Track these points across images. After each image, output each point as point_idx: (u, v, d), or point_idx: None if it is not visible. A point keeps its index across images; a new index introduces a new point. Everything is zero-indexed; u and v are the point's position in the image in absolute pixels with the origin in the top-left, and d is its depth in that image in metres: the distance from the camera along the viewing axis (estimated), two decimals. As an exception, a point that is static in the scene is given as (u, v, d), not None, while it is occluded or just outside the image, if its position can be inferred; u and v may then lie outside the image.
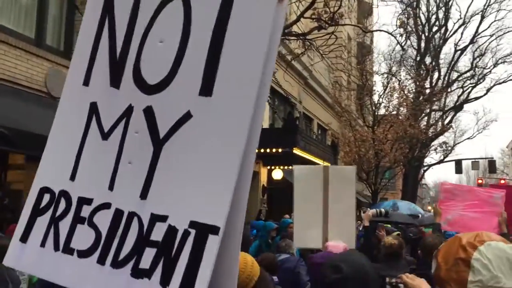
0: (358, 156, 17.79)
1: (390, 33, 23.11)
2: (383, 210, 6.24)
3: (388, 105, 19.26)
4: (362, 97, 19.53)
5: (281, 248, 5.17)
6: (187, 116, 1.26)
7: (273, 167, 14.73)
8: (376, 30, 20.40)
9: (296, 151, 11.04)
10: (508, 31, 27.42)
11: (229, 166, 1.14)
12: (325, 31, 7.82)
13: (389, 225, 8.61)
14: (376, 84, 23.49)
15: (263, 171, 14.80)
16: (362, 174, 18.69)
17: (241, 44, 1.21)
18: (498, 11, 26.70)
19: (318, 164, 13.47)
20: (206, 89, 1.24)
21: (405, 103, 18.84)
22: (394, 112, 19.30)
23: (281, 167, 14.78)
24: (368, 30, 19.48)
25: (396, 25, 24.58)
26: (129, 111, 1.37)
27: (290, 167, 15.61)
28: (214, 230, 1.12)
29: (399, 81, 20.14)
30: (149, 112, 1.32)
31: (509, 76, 28.31)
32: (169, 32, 1.33)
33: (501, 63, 27.32)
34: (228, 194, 1.13)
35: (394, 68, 21.09)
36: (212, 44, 1.25)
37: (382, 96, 19.46)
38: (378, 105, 19.55)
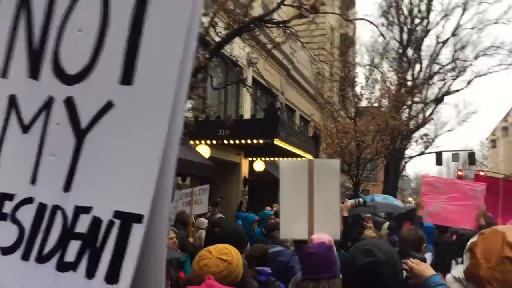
0: (340, 147, 17.77)
1: (372, 23, 23.02)
2: (361, 199, 6.30)
3: (370, 96, 19.26)
4: (344, 89, 19.47)
5: (276, 239, 5.24)
6: (109, 106, 1.24)
7: (254, 159, 14.61)
8: (359, 19, 20.34)
9: (277, 142, 10.91)
10: (489, 24, 27.56)
11: (151, 154, 1.13)
12: (306, 20, 7.70)
13: (378, 217, 8.65)
14: (359, 76, 23.56)
15: (244, 163, 14.67)
16: (344, 166, 18.69)
17: (160, 31, 1.20)
18: (479, 3, 26.88)
19: (299, 155, 13.40)
20: (127, 77, 1.23)
21: (387, 95, 18.84)
22: (376, 104, 19.30)
23: (263, 159, 14.67)
24: (350, 19, 19.38)
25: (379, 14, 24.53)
26: (49, 102, 1.34)
27: (272, 159, 15.53)
28: (138, 218, 1.11)
29: (381, 73, 20.13)
30: (69, 103, 1.30)
31: (489, 69, 28.58)
32: (87, 20, 1.31)
33: (481, 55, 27.53)
34: (151, 182, 1.12)
35: (376, 60, 21.07)
36: (130, 32, 1.24)
37: (364, 88, 19.43)
38: (360, 96, 19.52)
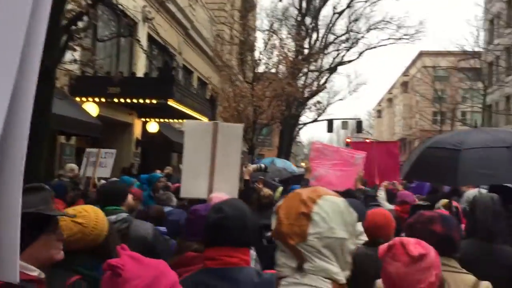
0: (237, 112, 17.75)
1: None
2: (262, 165, 6.70)
3: (268, 62, 19.35)
4: (243, 53, 19.34)
5: (162, 201, 5.55)
6: None
7: (148, 120, 14.05)
8: (260, -15, 20.09)
9: (172, 103, 10.51)
10: (381, -1, 28.97)
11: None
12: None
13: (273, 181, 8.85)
14: (258, 41, 23.57)
15: (137, 123, 14.06)
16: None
17: None
18: (374, -22, 28.03)
19: (195, 117, 13.11)
20: None
21: (284, 61, 19.05)
22: (274, 70, 19.47)
23: (157, 120, 14.18)
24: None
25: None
26: None
27: (167, 120, 15.07)
28: None
29: (280, 39, 20.25)
30: None
31: (379, 42, 30.25)
32: None
33: (373, 29, 29.00)
34: None
35: (275, 25, 21.14)
36: None
37: (262, 53, 19.46)
38: (258, 61, 19.54)
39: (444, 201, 4.95)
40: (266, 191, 5.04)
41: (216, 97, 15.06)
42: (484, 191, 5.23)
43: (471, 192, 6.22)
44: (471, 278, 2.21)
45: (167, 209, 5.07)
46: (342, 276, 1.46)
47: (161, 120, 14.41)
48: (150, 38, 15.30)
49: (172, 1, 16.05)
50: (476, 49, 26.66)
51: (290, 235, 1.44)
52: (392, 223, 3.32)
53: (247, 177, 5.17)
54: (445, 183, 5.42)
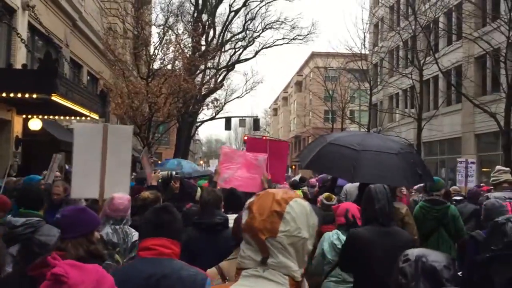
0: (131, 108, 16.98)
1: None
2: (173, 172, 7.22)
3: (163, 58, 18.77)
4: (137, 47, 18.55)
5: (71, 203, 5.53)
6: None
7: (29, 116, 12.82)
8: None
9: (56, 98, 9.61)
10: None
11: None
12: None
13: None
14: (153, 36, 22.80)
15: (17, 120, 12.76)
16: (135, 128, 18.02)
17: None
18: (268, -22, 28.57)
19: (83, 114, 12.24)
20: None
21: (180, 57, 18.61)
22: (170, 66, 18.93)
23: (40, 117, 12.99)
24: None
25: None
26: None
27: (52, 117, 13.90)
28: None
29: (176, 34, 19.76)
30: None
31: (274, 42, 30.95)
32: None
33: (268, 28, 29.59)
34: None
35: (171, 20, 20.57)
36: None
37: (158, 48, 18.83)
38: (153, 57, 18.88)
39: (326, 194, 5.57)
40: (145, 193, 5.15)
41: (107, 93, 14.17)
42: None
43: (349, 186, 7.19)
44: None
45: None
46: (299, 274, 1.58)
47: (46, 117, 13.25)
48: (32, 28, 14.02)
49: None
50: (363, 51, 28.33)
51: (262, 230, 1.55)
52: None
53: (154, 183, 5.37)
54: (342, 177, 6.02)
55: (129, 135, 5.45)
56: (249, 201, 1.66)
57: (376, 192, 3.64)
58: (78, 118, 13.67)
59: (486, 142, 22.62)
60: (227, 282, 2.00)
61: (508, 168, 6.34)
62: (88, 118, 13.24)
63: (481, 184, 12.04)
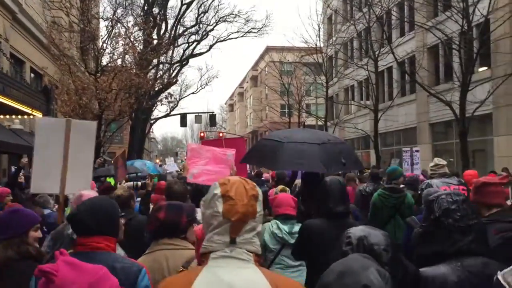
0: (79, 105, 16.01)
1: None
2: (139, 183, 7.77)
3: (113, 52, 17.83)
4: (84, 41, 17.53)
5: (40, 203, 6.16)
6: None
7: (-36, 116, 11.79)
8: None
9: (-9, 94, 8.78)
10: (229, -9, 29.06)
11: None
12: None
13: None
14: (102, 29, 21.74)
15: (-50, 121, 11.70)
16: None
17: None
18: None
19: (25, 112, 11.33)
20: None
21: (130, 51, 17.75)
22: (119, 61, 18.02)
23: (-24, 116, 11.97)
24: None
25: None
26: None
27: (-10, 116, 12.85)
28: None
29: (126, 27, 18.85)
30: None
31: (229, 35, 30.37)
32: None
33: (222, 21, 28.96)
34: None
35: (119, 12, 19.61)
36: None
37: (106, 42, 17.88)
38: (101, 51, 17.92)
39: (280, 187, 5.92)
40: (118, 191, 5.27)
41: (51, 89, 13.23)
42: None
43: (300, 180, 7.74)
44: (190, 252, 2.77)
45: (46, 211, 5.71)
46: (259, 248, 1.77)
47: (-18, 115, 12.22)
48: (-36, 20, 12.90)
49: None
50: (318, 43, 28.25)
51: (246, 213, 1.71)
52: None
53: (120, 192, 5.20)
54: (265, 166, 6.69)
55: (93, 131, 5.40)
56: (217, 191, 1.75)
57: (330, 185, 3.78)
58: (20, 116, 12.71)
59: (440, 132, 23.02)
60: (194, 267, 2.15)
61: (445, 162, 6.58)
62: (31, 117, 12.31)
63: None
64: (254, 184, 1.81)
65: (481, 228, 2.30)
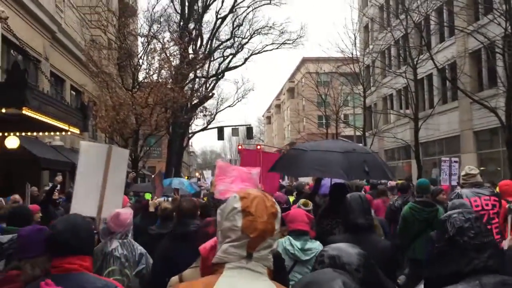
0: (116, 121, 16.25)
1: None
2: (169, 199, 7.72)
3: (149, 68, 18.09)
4: (120, 57, 17.87)
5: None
6: None
7: (6, 134, 12.07)
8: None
9: (28, 112, 8.90)
10: (264, 4, 29.15)
11: None
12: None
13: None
14: (138, 46, 22.16)
15: (-8, 139, 12.03)
16: (121, 141, 17.31)
17: None
18: (254, -17, 28.09)
19: (62, 128, 11.50)
20: None
21: (166, 66, 17.95)
22: (155, 76, 18.25)
23: (17, 134, 12.24)
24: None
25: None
26: None
27: (30, 134, 13.16)
28: None
29: (162, 43, 19.11)
30: None
31: (264, 47, 30.40)
32: None
33: (257, 34, 29.04)
34: None
35: (155, 27, 19.91)
36: None
37: (142, 57, 18.18)
38: (138, 67, 18.21)
39: (302, 200, 5.79)
40: (164, 204, 5.72)
41: (88, 106, 13.45)
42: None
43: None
44: None
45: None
46: (272, 263, 1.78)
47: (23, 133, 12.49)
48: (7, 41, 13.34)
49: (33, 0, 14.22)
50: (354, 52, 27.82)
51: (265, 231, 1.72)
52: None
53: (152, 209, 5.65)
54: (290, 174, 7.15)
55: (126, 157, 5.72)
56: (238, 204, 1.75)
57: (350, 202, 3.85)
58: (58, 133, 12.97)
59: (485, 140, 22.02)
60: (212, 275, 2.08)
61: (477, 170, 6.40)
62: (69, 133, 12.53)
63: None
64: (274, 201, 1.81)
65: (495, 245, 2.27)
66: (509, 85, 13.78)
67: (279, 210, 1.80)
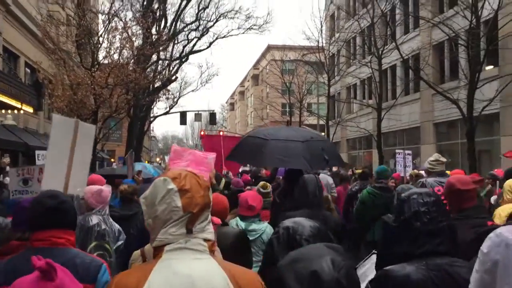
0: (74, 101, 15.50)
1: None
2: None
3: (109, 47, 17.30)
4: (79, 34, 17.00)
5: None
6: None
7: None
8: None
9: (-26, 86, 8.28)
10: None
11: None
12: None
13: None
14: (99, 25, 21.23)
15: None
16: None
17: None
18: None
19: (13, 105, 10.84)
20: None
21: (128, 45, 17.23)
22: (116, 56, 17.50)
23: (-36, 111, 11.49)
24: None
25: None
26: None
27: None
28: None
29: (123, 21, 18.31)
30: None
31: (229, 32, 29.86)
32: None
33: (223, 18, 28.46)
34: None
35: (116, 5, 19.07)
36: None
37: (102, 36, 17.37)
38: (98, 46, 17.41)
39: (262, 183, 6.07)
40: (123, 186, 5.72)
41: (42, 83, 12.72)
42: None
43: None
44: None
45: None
46: (213, 235, 1.78)
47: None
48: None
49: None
50: (321, 40, 27.73)
51: (205, 204, 1.74)
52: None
53: (123, 188, 5.57)
54: (253, 164, 6.85)
55: (93, 133, 5.58)
56: (167, 186, 1.71)
57: (307, 181, 4.28)
58: (10, 111, 12.23)
59: (444, 132, 22.50)
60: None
61: (445, 159, 6.48)
62: (21, 112, 11.85)
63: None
64: (202, 175, 1.83)
65: (450, 229, 2.35)
66: (471, 77, 13.96)
67: (209, 183, 1.83)
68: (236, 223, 4.59)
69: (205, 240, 1.72)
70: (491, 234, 1.92)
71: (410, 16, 22.36)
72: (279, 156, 5.13)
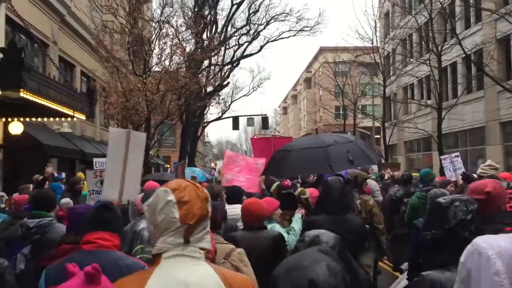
0: (126, 108, 15.65)
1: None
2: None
3: (160, 53, 17.41)
4: (130, 42, 17.21)
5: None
6: None
7: (9, 119, 11.56)
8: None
9: (25, 94, 8.32)
10: (280, -10, 28.21)
11: None
12: None
13: None
14: (151, 32, 21.51)
15: (-5, 124, 11.55)
16: (130, 128, 16.72)
17: None
18: (270, -33, 27.14)
19: (67, 114, 10.93)
20: None
21: (178, 51, 17.25)
22: (167, 62, 17.56)
23: (21, 119, 11.73)
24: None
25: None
26: None
27: (34, 119, 12.65)
28: None
29: (175, 28, 18.39)
30: None
31: (280, 34, 29.51)
32: None
33: (273, 21, 28.17)
34: None
35: (167, 10, 19.18)
36: None
37: (153, 42, 17.49)
38: (149, 52, 17.55)
39: (300, 189, 6.16)
40: None
41: (94, 89, 12.84)
42: None
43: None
44: (229, 246, 3.32)
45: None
46: (209, 244, 1.81)
47: (27, 119, 11.97)
48: (12, 24, 12.82)
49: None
50: (375, 39, 26.79)
51: (202, 216, 1.77)
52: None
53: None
54: (279, 176, 7.23)
55: (143, 141, 5.70)
56: (166, 197, 1.75)
57: (331, 185, 4.32)
58: (64, 119, 12.42)
59: (512, 131, 20.95)
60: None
61: (498, 166, 6.36)
62: (75, 119, 11.97)
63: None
64: (202, 187, 1.85)
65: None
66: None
67: (208, 194, 1.85)
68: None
69: (201, 248, 1.76)
70: (469, 244, 1.93)
71: (471, 9, 21.00)
72: (300, 165, 5.41)
